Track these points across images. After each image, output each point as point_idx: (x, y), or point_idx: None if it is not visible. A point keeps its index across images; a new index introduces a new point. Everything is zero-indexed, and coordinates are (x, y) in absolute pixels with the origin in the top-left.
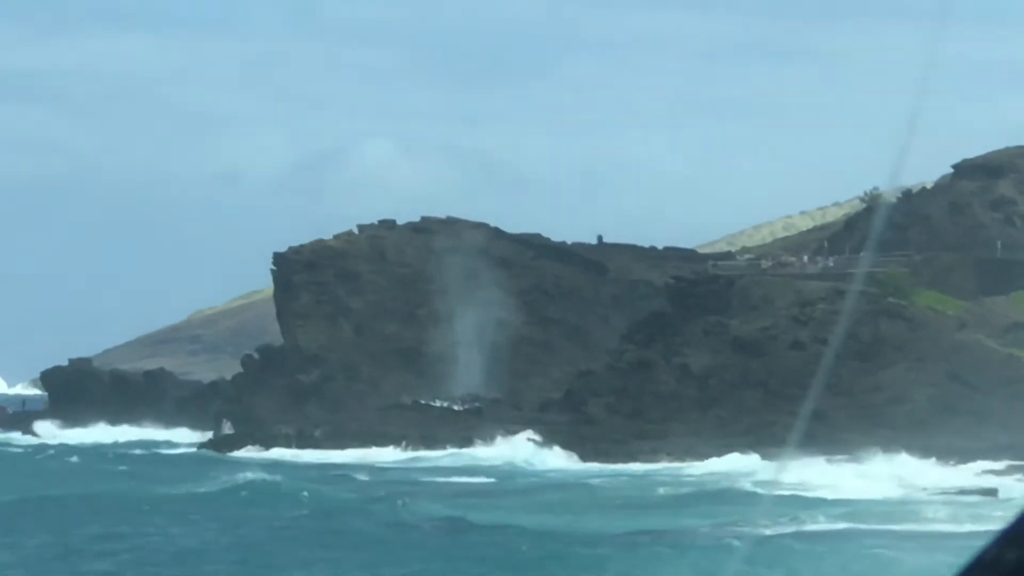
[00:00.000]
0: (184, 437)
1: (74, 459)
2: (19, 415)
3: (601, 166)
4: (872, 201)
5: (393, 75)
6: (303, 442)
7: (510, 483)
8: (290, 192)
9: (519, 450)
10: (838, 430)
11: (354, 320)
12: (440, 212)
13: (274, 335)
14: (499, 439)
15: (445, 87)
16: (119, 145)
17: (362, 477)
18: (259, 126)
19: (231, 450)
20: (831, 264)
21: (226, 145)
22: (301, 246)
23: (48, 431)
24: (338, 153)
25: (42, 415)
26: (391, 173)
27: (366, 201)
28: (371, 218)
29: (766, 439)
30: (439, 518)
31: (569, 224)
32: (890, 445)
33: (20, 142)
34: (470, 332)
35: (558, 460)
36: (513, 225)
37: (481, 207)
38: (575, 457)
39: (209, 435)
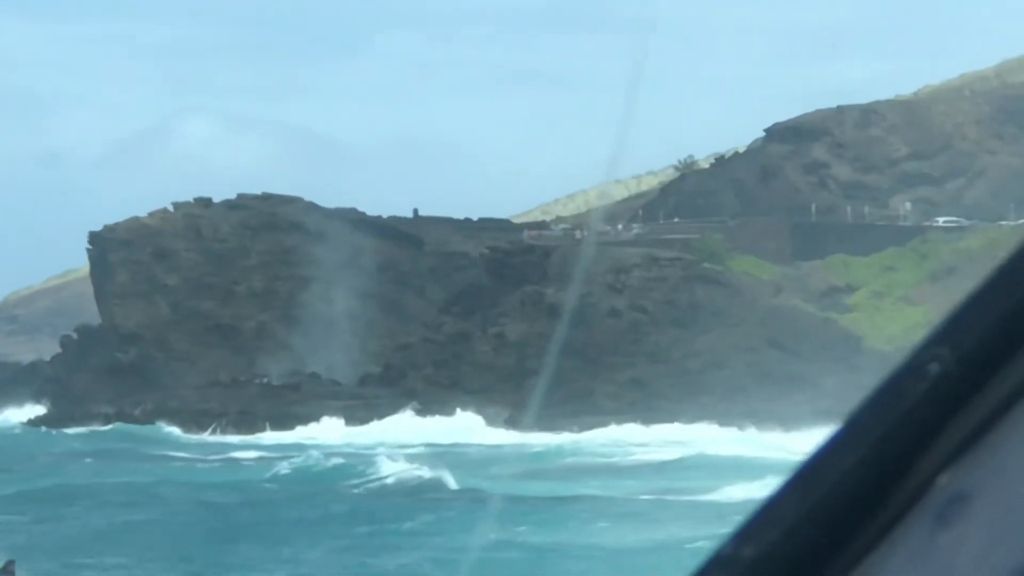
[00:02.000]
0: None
1: None
2: None
3: (416, 139)
4: (686, 168)
5: (212, 51)
6: (123, 420)
7: None
8: (110, 171)
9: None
10: (656, 397)
11: (171, 298)
12: (260, 188)
13: (92, 314)
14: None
15: (264, 62)
16: None
17: None
18: (79, 106)
19: (53, 428)
20: (643, 231)
21: (47, 125)
22: (116, 224)
23: None
24: (157, 131)
25: None
26: (210, 150)
27: (186, 179)
28: (192, 196)
29: (585, 407)
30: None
31: (385, 198)
32: (705, 411)
33: None
34: (287, 307)
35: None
36: (331, 200)
37: (300, 183)
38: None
39: (30, 415)
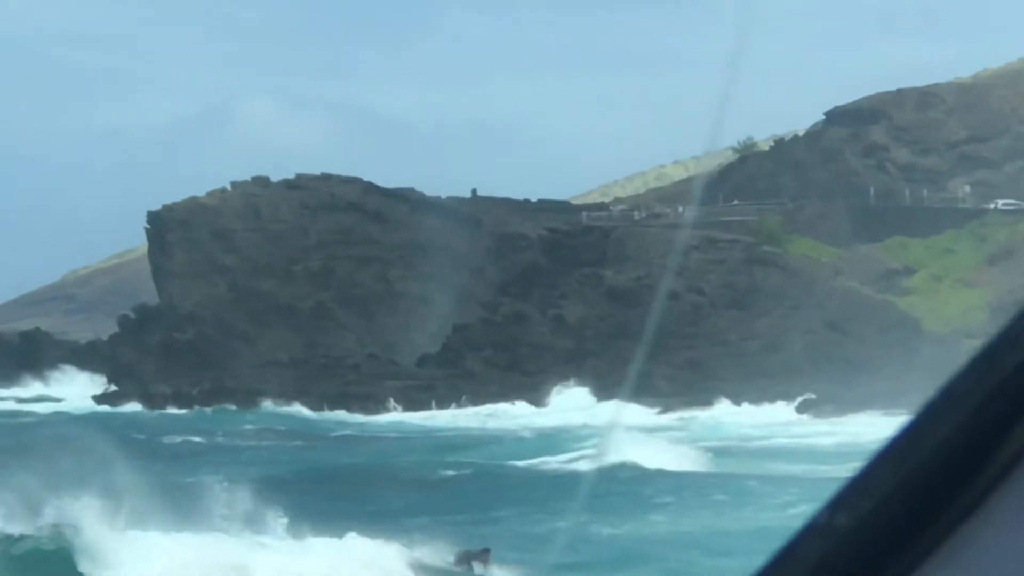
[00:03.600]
0: (70, 395)
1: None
2: None
3: (476, 120)
4: (745, 151)
5: (274, 31)
6: (180, 401)
7: None
8: (170, 151)
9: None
10: (713, 379)
11: (229, 277)
12: (320, 168)
13: (150, 294)
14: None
15: (326, 42)
16: None
17: None
18: (140, 85)
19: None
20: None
21: (108, 104)
22: (175, 204)
23: None
24: (219, 112)
25: None
26: (271, 130)
27: (247, 159)
28: (252, 176)
29: (643, 389)
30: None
31: (444, 179)
32: (765, 393)
33: None
34: (345, 287)
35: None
36: (390, 180)
37: (360, 163)
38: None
39: (90, 394)
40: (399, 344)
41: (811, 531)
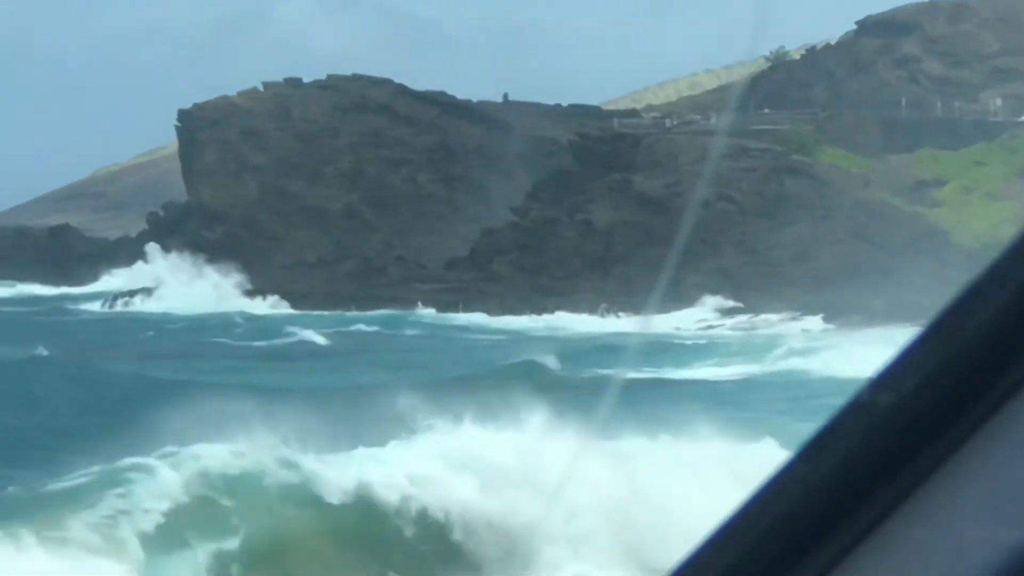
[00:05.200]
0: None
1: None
2: None
3: (510, 24)
4: (777, 60)
5: None
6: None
7: None
8: (204, 51)
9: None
10: (742, 287)
11: (259, 177)
12: (352, 70)
13: (178, 192)
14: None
15: None
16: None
17: None
18: None
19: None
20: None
21: (145, 2)
22: (206, 103)
23: None
24: (253, 11)
25: None
26: (304, 32)
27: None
28: (285, 77)
29: (670, 295)
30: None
31: (476, 83)
32: (792, 303)
33: None
34: (374, 189)
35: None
36: (422, 83)
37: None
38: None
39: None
40: (428, 247)
41: (854, 408)
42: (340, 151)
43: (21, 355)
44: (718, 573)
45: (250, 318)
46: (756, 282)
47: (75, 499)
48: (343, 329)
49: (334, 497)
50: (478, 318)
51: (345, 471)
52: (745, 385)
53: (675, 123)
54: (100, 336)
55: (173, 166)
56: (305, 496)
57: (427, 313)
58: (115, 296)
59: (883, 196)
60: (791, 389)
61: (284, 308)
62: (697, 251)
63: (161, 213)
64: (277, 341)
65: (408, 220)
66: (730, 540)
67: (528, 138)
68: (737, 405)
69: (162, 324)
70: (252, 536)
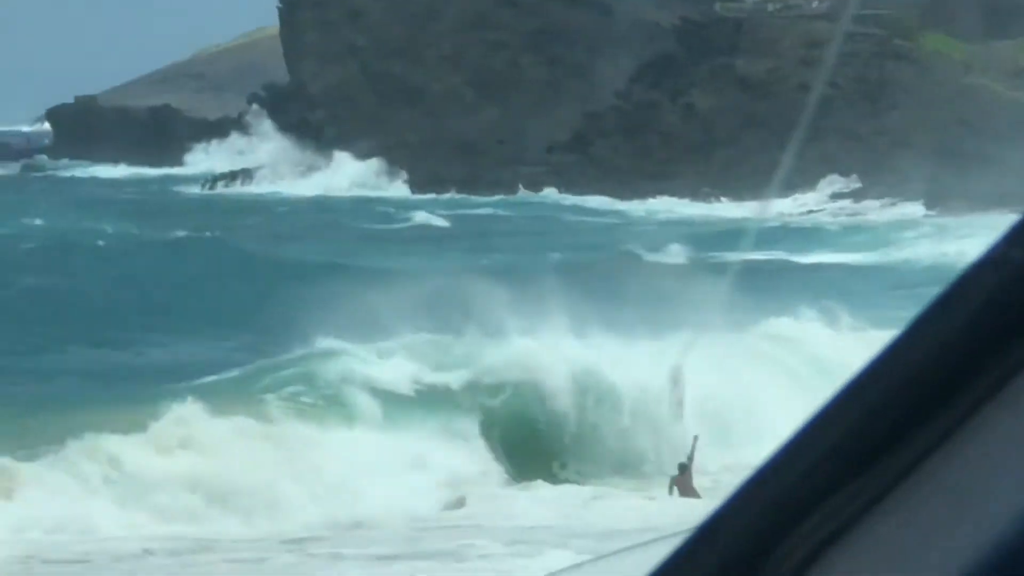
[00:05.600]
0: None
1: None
2: (24, 151)
3: None
4: None
5: None
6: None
7: None
8: None
9: None
10: (843, 171)
11: (360, 59)
12: None
13: (279, 74)
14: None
15: None
16: None
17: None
18: None
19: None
20: (833, 5)
21: None
22: None
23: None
24: None
25: (49, 151)
26: None
27: None
28: None
29: (771, 181)
30: None
31: None
32: (892, 189)
33: None
34: (477, 72)
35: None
36: None
37: None
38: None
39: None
40: (529, 130)
41: (984, 264)
42: (442, 33)
43: (161, 236)
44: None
45: (359, 200)
46: (859, 167)
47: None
48: (454, 212)
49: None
50: (590, 201)
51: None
52: (852, 272)
53: (777, 7)
54: (222, 216)
55: (275, 47)
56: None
57: (533, 195)
58: (215, 178)
59: (985, 82)
60: (899, 275)
61: (388, 190)
62: (799, 136)
63: (262, 94)
64: (397, 225)
65: (510, 103)
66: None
67: (631, 21)
68: (841, 292)
69: (273, 206)
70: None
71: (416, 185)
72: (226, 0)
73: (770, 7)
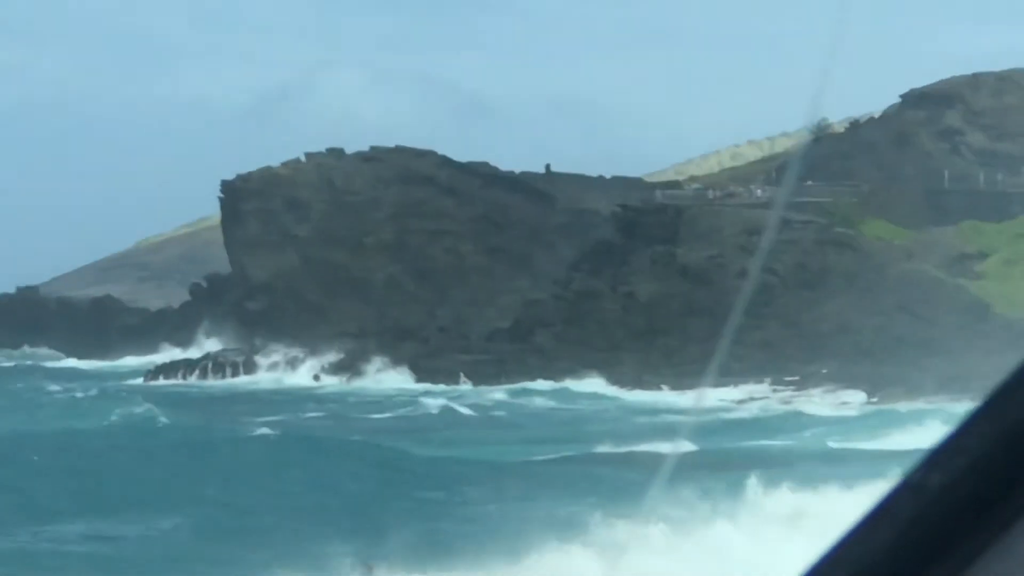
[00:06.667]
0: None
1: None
2: None
3: (551, 96)
4: (820, 132)
5: (353, 3)
6: (250, 369)
7: None
8: (251, 122)
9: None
10: (784, 359)
11: (301, 248)
12: (396, 140)
13: (222, 263)
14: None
15: (403, 14)
16: (72, 72)
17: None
18: (219, 57)
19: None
20: (774, 194)
21: (182, 75)
22: (249, 173)
23: None
24: (300, 83)
25: None
26: (349, 103)
27: (325, 132)
28: (333, 147)
29: (713, 369)
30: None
31: (518, 154)
32: (835, 375)
33: None
34: (417, 260)
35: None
36: (464, 154)
37: (434, 136)
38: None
39: (155, 362)
40: (470, 318)
41: (904, 488)
42: (382, 222)
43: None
44: None
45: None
46: (799, 354)
47: None
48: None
49: None
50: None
51: None
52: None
53: (718, 195)
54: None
55: (216, 237)
56: None
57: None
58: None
59: (926, 268)
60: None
61: (329, 379)
62: (740, 323)
63: (204, 284)
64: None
65: (450, 291)
66: None
67: (571, 210)
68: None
69: (270, 396)
70: None
71: (352, 372)
72: (168, 190)
73: (710, 194)
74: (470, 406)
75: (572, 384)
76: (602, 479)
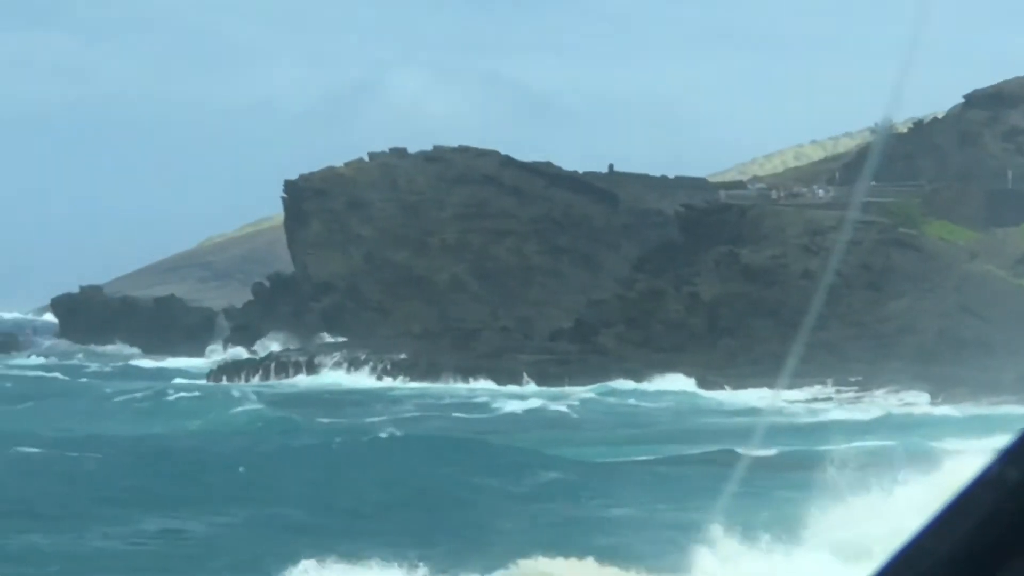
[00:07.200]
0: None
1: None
2: (28, 340)
3: (616, 95)
4: (885, 132)
5: (411, 3)
6: (312, 369)
7: None
8: (317, 121)
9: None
10: (847, 360)
11: (364, 248)
12: (460, 140)
13: (284, 263)
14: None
15: (461, 13)
16: (139, 73)
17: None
18: (285, 57)
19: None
20: (837, 194)
21: (249, 75)
22: (312, 173)
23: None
24: (369, 82)
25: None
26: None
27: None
28: (398, 146)
29: (775, 371)
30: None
31: (582, 153)
32: (898, 376)
33: (44, 69)
34: (479, 260)
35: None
36: (528, 154)
37: (497, 135)
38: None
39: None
40: (533, 318)
41: (982, 482)
42: (445, 222)
43: (367, 433)
44: None
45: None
46: (863, 355)
47: None
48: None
49: None
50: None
51: None
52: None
53: (781, 195)
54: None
55: (279, 236)
56: None
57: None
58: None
59: (989, 269)
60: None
61: (393, 380)
62: (804, 325)
63: (267, 284)
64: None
65: (513, 291)
66: None
67: (634, 210)
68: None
69: (343, 396)
70: None
71: (418, 372)
72: (231, 190)
73: (773, 195)
74: (541, 407)
75: (645, 385)
76: (707, 479)
